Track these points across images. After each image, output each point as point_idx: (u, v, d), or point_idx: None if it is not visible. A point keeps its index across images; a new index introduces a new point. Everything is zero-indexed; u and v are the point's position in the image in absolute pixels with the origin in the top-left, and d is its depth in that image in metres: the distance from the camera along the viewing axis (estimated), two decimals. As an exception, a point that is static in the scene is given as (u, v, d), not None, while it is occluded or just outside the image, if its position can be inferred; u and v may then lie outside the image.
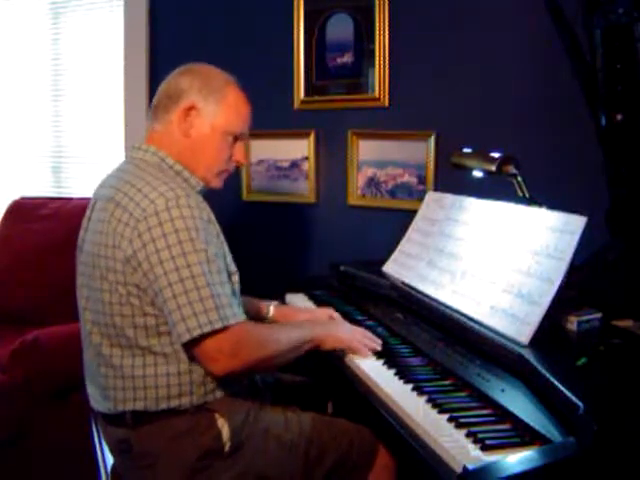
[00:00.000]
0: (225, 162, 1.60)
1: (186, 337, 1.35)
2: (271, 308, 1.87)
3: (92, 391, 1.56)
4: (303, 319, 1.83)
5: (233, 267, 1.53)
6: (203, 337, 1.35)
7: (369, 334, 1.69)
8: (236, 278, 1.53)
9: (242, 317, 1.42)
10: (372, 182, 2.56)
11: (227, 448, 1.46)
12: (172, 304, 1.35)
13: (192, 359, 1.44)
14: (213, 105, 1.55)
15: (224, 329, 1.36)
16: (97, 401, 1.54)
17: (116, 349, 1.45)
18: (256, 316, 1.81)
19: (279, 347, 1.48)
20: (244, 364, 1.40)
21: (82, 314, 1.54)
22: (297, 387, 1.85)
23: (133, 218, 1.39)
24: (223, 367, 1.38)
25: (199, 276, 1.36)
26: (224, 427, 1.47)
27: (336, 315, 1.85)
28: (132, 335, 1.43)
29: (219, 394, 1.49)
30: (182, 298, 1.35)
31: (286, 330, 1.57)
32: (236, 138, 1.59)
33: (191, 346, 1.38)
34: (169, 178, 1.48)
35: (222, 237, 1.52)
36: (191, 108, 1.53)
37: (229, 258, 1.53)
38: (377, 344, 1.65)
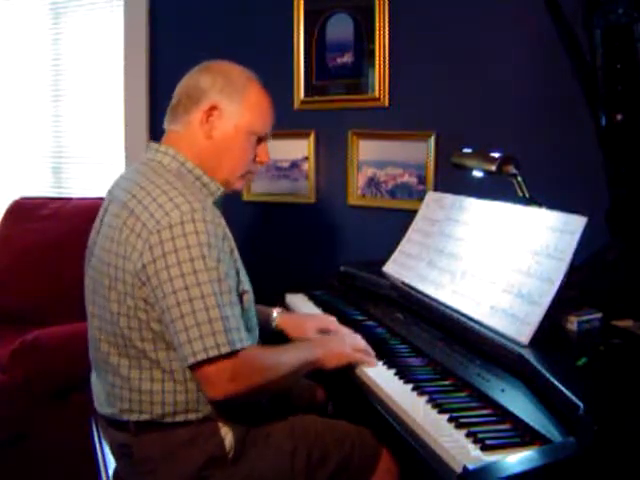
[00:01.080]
0: (249, 163, 1.56)
1: (191, 360, 1.30)
2: (275, 315, 1.84)
3: (97, 392, 1.54)
4: (309, 328, 1.79)
5: (246, 285, 1.48)
6: (207, 361, 1.31)
7: (362, 343, 1.63)
8: (247, 297, 1.48)
9: (248, 342, 1.37)
10: (372, 182, 2.56)
11: (230, 456, 1.44)
12: (179, 325, 1.30)
13: (191, 379, 1.40)
14: (236, 105, 1.50)
15: (229, 354, 1.31)
16: (101, 404, 1.52)
17: (124, 359, 1.42)
18: (264, 323, 1.79)
19: (279, 373, 1.43)
20: (243, 389, 1.35)
21: (90, 320, 1.50)
22: (299, 389, 1.84)
23: (146, 229, 1.34)
24: (221, 391, 1.33)
25: (209, 296, 1.31)
26: (227, 435, 1.44)
27: (334, 326, 1.81)
28: (141, 347, 1.39)
29: (225, 408, 1.44)
30: (189, 319, 1.30)
31: (288, 354, 1.50)
32: (260, 138, 1.55)
33: (194, 368, 1.33)
34: (187, 186, 1.42)
35: (236, 253, 1.47)
36: (213, 108, 1.49)
37: (242, 275, 1.47)
38: (371, 357, 1.60)
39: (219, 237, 1.37)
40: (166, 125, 1.55)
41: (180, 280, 1.30)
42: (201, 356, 1.29)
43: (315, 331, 1.79)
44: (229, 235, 1.44)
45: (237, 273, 1.45)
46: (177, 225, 1.32)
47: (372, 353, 1.60)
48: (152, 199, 1.37)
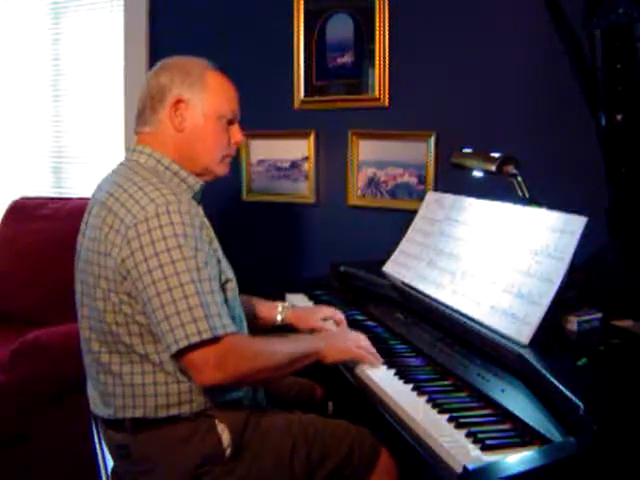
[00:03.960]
0: (226, 146, 1.58)
1: (174, 348, 1.31)
2: (280, 309, 1.87)
3: (92, 395, 1.55)
4: (314, 318, 1.83)
5: (229, 273, 1.50)
6: (190, 347, 1.31)
7: (364, 341, 1.63)
8: (231, 285, 1.50)
9: (231, 328, 1.36)
10: (372, 182, 2.56)
11: (227, 453, 1.45)
12: (160, 314, 1.32)
13: (180, 369, 1.41)
14: (198, 93, 1.53)
15: (212, 340, 1.32)
16: (97, 405, 1.53)
17: (115, 356, 1.43)
18: (265, 317, 1.82)
19: (270, 361, 1.42)
20: (230, 376, 1.35)
21: (80, 321, 1.51)
22: (298, 388, 1.84)
23: (124, 225, 1.37)
24: (208, 378, 1.34)
25: (187, 284, 1.32)
26: (224, 432, 1.45)
27: (339, 316, 1.85)
28: (129, 342, 1.41)
29: (220, 400, 1.47)
30: (170, 308, 1.31)
31: (284, 344, 1.50)
32: (230, 121, 1.58)
33: (178, 356, 1.34)
34: (164, 182, 1.45)
35: (216, 243, 1.49)
36: (178, 102, 1.52)
37: (224, 264, 1.50)
38: (375, 355, 1.60)
39: (196, 227, 1.39)
40: (136, 130, 1.60)
41: (159, 271, 1.33)
42: (183, 343, 1.31)
43: (320, 320, 1.83)
44: (207, 224, 1.47)
45: (218, 262, 1.46)
46: (153, 218, 1.35)
47: (374, 352, 1.60)
48: (129, 195, 1.41)
